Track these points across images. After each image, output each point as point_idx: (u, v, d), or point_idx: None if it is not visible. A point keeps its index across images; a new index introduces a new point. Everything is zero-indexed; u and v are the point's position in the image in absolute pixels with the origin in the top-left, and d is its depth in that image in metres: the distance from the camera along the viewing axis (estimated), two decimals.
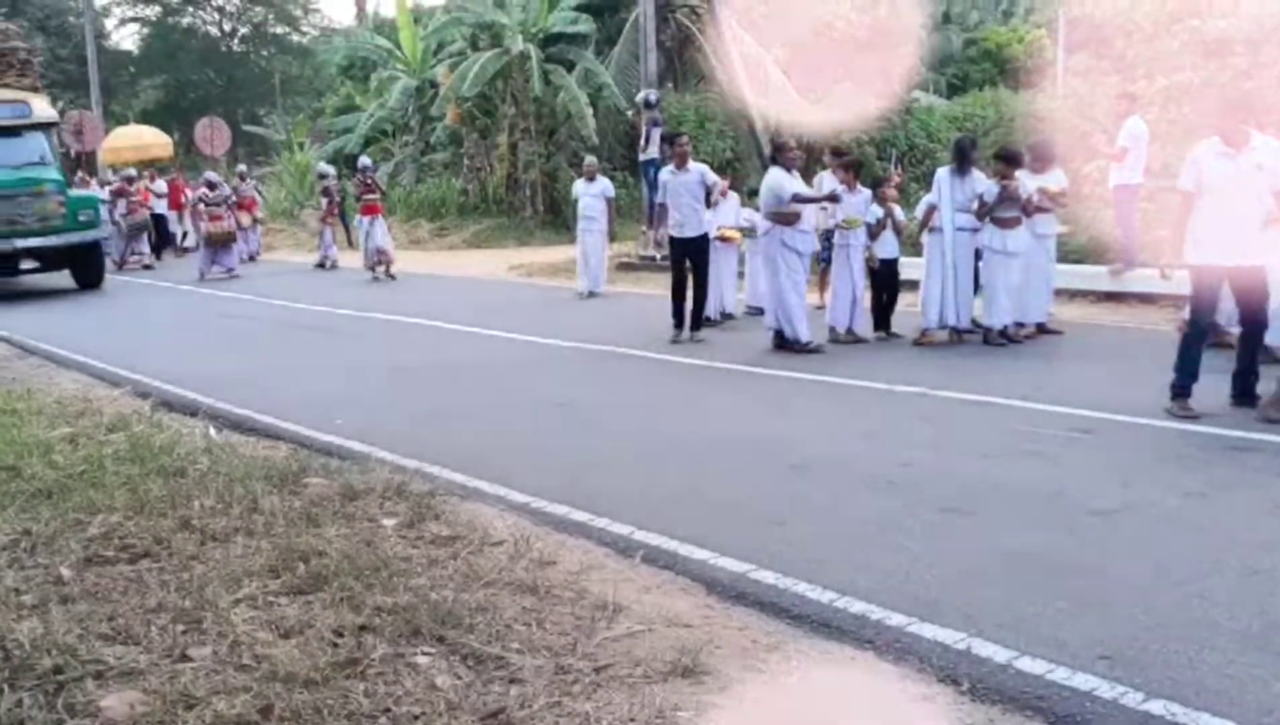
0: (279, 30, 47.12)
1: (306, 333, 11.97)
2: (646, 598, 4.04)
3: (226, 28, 46.76)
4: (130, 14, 45.80)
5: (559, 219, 23.58)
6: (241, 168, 24.87)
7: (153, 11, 45.41)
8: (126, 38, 47.78)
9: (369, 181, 17.23)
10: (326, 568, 4.09)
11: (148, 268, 20.58)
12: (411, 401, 7.89)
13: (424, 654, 3.46)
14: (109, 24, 46.22)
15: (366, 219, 16.74)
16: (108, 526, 4.69)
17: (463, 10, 26.45)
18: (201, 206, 18.45)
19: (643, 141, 16.48)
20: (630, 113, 21.50)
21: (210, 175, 19.71)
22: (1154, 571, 4.11)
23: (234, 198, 19.64)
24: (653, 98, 16.77)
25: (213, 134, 25.89)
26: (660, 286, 14.75)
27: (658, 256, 16.76)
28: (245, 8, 46.23)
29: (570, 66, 24.55)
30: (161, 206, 22.82)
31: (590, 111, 23.46)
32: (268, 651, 3.42)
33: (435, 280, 16.51)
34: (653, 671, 3.39)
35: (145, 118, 45.61)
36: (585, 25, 24.91)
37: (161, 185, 23.26)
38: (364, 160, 18.47)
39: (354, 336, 11.48)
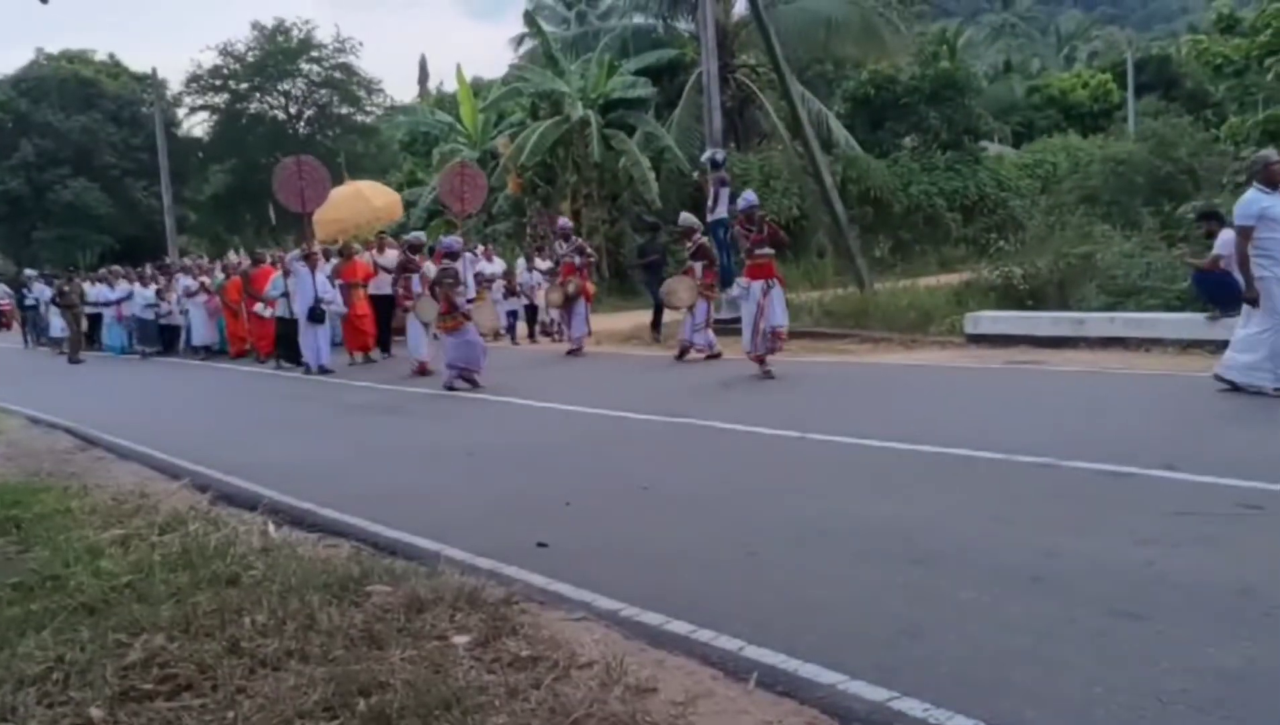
0: (343, 111, 47.93)
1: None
2: None
3: (293, 110, 47.69)
4: (199, 102, 46.99)
5: (625, 284, 23.25)
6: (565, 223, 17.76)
7: (221, 100, 46.49)
8: (196, 125, 49.07)
9: (756, 229, 11.30)
10: (389, 704, 3.51)
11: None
12: (486, 487, 7.34)
13: None
14: (179, 113, 47.50)
15: (757, 284, 11.25)
16: (149, 651, 4.16)
17: (521, 81, 26.54)
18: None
19: (710, 202, 15.98)
20: (696, 174, 21.12)
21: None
22: None
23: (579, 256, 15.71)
24: (719, 157, 16.31)
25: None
26: (734, 351, 14.17)
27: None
28: (311, 91, 47.14)
29: (631, 131, 24.40)
30: (387, 286, 16.20)
31: (653, 175, 23.18)
32: None
33: (501, 352, 16.02)
34: None
35: (216, 202, 46.65)
36: (644, 90, 24.79)
37: (392, 256, 16.38)
38: (749, 197, 12.07)
39: (427, 417, 11.02)
